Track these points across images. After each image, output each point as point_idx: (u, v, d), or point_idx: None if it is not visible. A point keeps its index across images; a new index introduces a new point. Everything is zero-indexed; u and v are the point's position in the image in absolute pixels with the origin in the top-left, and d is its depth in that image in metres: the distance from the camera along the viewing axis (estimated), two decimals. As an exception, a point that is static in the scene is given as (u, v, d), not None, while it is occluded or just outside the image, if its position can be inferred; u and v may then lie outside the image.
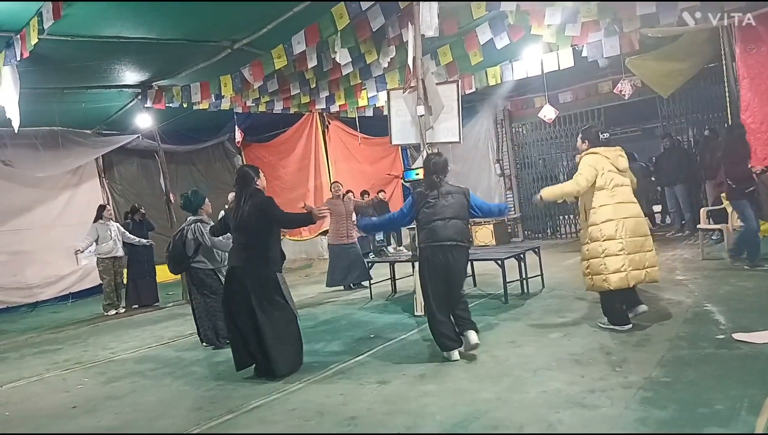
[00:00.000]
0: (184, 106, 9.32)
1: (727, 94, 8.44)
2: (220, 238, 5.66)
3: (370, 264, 8.28)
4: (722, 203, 7.93)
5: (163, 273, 11.18)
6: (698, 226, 8.46)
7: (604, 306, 5.02)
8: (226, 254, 5.43)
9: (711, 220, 8.18)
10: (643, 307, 4.98)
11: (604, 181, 4.86)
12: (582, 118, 12.72)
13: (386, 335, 5.72)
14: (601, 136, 5.25)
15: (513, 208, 13.89)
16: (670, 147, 10.57)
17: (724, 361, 3.89)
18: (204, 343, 6.08)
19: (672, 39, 8.78)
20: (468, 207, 4.85)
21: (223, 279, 5.47)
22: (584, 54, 8.63)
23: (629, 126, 15.70)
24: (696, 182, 10.39)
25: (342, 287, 9.08)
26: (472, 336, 4.63)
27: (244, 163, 14.42)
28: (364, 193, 13.21)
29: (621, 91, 9.63)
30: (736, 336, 4.30)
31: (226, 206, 9.30)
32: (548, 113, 10.68)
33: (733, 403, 3.17)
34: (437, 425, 3.37)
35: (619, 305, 4.92)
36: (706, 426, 2.96)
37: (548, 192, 5.15)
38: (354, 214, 12.79)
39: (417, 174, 6.49)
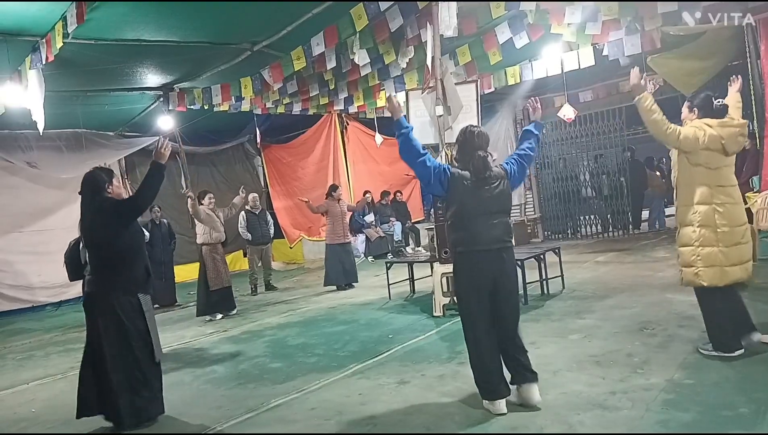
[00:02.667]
0: (205, 108, 9.42)
1: (751, 92, 8.29)
2: None
3: (388, 265, 8.28)
4: (746, 203, 7.80)
5: (183, 273, 11.37)
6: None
7: (706, 315, 4.16)
8: None
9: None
10: (757, 336, 4.06)
11: (705, 158, 4.00)
12: (602, 118, 12.59)
13: (405, 336, 5.72)
14: (715, 103, 4.18)
15: (533, 209, 13.81)
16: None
17: (748, 364, 3.83)
18: None
19: (694, 37, 8.65)
20: (509, 193, 3.77)
21: None
22: (605, 53, 8.54)
23: (651, 125, 15.46)
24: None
25: (335, 287, 9.35)
26: (534, 392, 3.50)
27: (264, 164, 14.55)
28: (384, 193, 13.34)
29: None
30: (762, 338, 4.22)
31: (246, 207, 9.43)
32: (568, 113, 10.58)
33: (758, 406, 3.12)
34: (456, 426, 3.37)
35: (722, 315, 4.05)
36: (729, 429, 2.92)
37: (646, 98, 4.23)
38: (374, 215, 12.90)
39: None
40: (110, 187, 4.10)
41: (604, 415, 3.28)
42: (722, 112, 4.17)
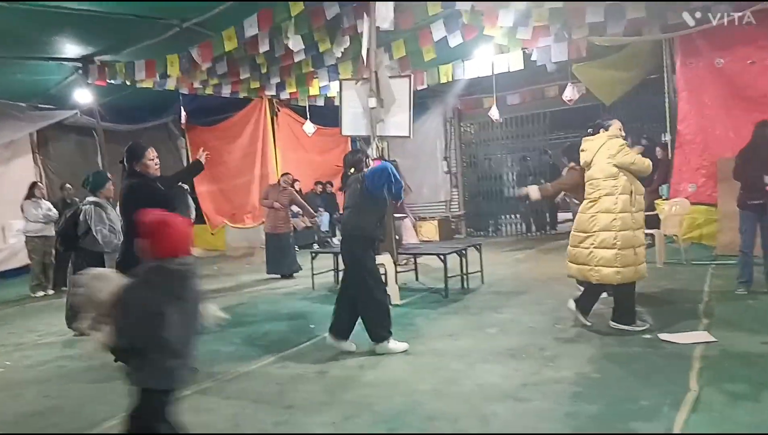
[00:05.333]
0: (127, 83, 8.99)
1: (666, 105, 8.80)
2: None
3: (313, 255, 8.22)
4: (655, 209, 8.28)
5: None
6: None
7: (625, 305, 4.82)
8: (119, 235, 5.45)
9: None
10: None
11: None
12: (528, 121, 13.03)
13: (327, 326, 5.65)
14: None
15: (458, 206, 14.08)
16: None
17: (650, 360, 4.07)
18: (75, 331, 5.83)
19: (618, 48, 9.08)
20: (363, 191, 4.69)
21: (108, 264, 5.27)
22: (533, 58, 8.82)
23: (572, 131, 16.13)
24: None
25: (279, 276, 9.10)
26: (350, 346, 4.76)
27: (188, 146, 14.08)
28: (318, 182, 13.34)
29: (568, 97, 9.87)
30: (662, 336, 4.50)
31: None
32: (494, 114, 10.89)
33: (657, 400, 3.31)
34: (374, 416, 3.38)
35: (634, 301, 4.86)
36: (631, 421, 3.09)
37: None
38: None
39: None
40: (136, 164, 4.36)
41: (516, 406, 3.39)
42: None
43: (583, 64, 9.19)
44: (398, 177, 4.69)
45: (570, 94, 9.76)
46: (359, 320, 4.74)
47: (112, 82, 8.95)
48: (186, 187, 4.86)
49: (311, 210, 10.36)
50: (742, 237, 5.82)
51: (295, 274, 9.03)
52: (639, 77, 10.15)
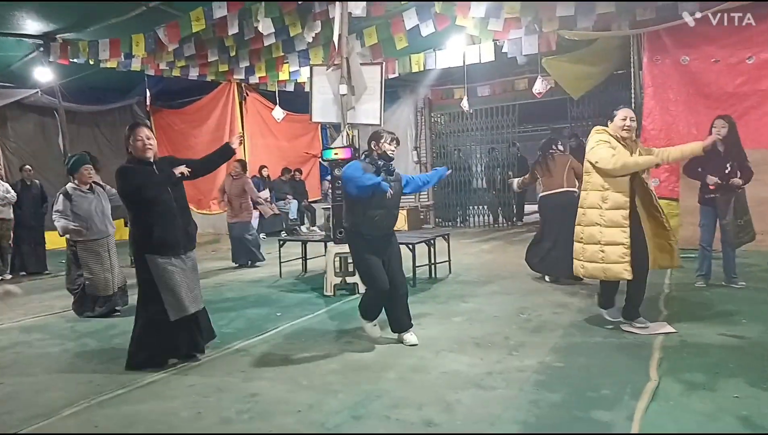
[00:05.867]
0: (91, 63, 8.72)
1: (632, 100, 8.94)
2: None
3: (281, 242, 8.14)
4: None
5: (55, 238, 10.53)
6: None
7: (604, 292, 4.75)
8: (93, 225, 5.81)
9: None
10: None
11: None
12: (497, 113, 13.09)
13: (294, 314, 5.67)
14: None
15: (427, 196, 14.13)
16: (576, 147, 11.08)
17: (612, 349, 4.15)
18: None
19: (587, 43, 9.18)
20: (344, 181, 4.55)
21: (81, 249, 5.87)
22: (504, 50, 8.86)
23: (540, 124, 16.37)
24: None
25: (244, 264, 8.97)
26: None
27: (153, 129, 13.78)
28: (285, 170, 13.17)
29: (537, 90, 9.95)
30: (624, 327, 4.59)
31: None
32: (465, 105, 10.93)
33: (619, 389, 3.38)
34: (340, 403, 3.37)
35: None
36: (592, 409, 3.14)
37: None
38: (269, 191, 12.59)
39: (336, 153, 6.43)
40: (130, 144, 4.15)
41: (481, 394, 3.42)
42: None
43: (552, 57, 9.27)
44: (357, 180, 4.33)
45: (539, 87, 9.84)
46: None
47: (75, 61, 8.69)
48: (187, 174, 4.22)
49: (259, 197, 10.10)
50: (702, 231, 5.96)
51: (258, 264, 8.92)
52: (607, 72, 10.30)
